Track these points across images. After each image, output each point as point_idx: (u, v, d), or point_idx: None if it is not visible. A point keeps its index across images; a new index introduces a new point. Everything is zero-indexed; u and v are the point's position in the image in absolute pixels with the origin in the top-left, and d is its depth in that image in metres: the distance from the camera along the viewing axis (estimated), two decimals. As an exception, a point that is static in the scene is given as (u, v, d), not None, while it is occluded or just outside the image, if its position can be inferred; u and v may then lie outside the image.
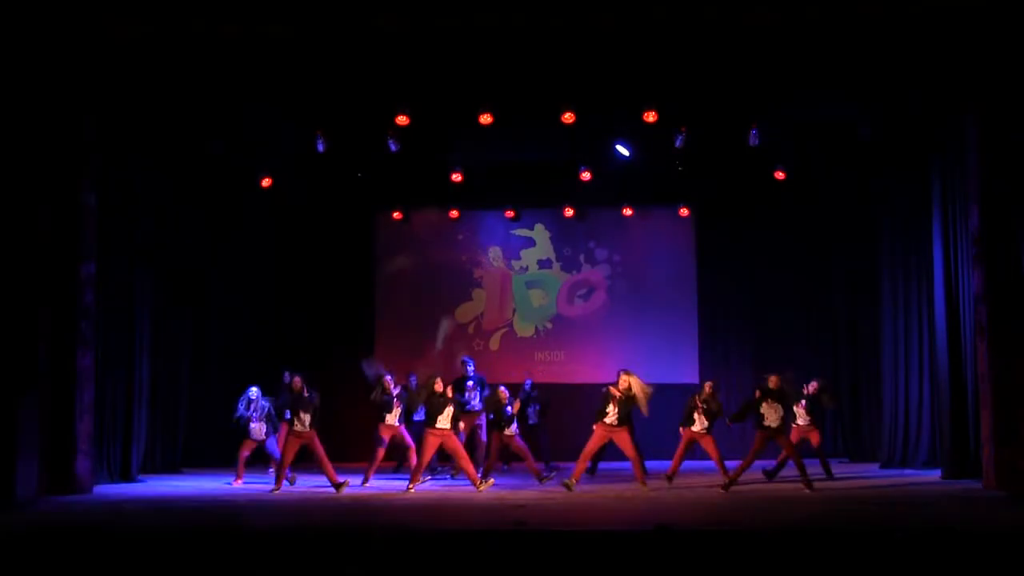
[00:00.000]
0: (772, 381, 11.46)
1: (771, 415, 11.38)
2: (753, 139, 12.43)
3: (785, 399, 11.59)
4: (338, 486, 11.35)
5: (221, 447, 14.72)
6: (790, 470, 11.84)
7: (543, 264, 16.18)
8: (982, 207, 11.08)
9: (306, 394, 11.57)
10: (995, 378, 10.85)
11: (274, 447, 12.47)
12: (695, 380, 14.52)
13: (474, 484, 11.41)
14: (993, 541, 7.37)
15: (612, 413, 11.30)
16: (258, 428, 12.38)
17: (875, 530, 8.14)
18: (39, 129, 10.83)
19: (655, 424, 12.53)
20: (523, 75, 11.11)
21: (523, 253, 16.19)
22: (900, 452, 13.40)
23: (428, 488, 11.80)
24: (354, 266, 16.02)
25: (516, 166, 14.65)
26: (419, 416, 12.66)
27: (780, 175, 14.02)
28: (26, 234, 10.66)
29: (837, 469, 13.00)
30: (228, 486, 12.18)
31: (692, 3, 10.12)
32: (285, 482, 11.70)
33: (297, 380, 11.62)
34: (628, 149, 13.54)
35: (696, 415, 11.96)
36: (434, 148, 13.38)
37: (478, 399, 12.92)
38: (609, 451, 13.36)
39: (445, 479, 12.78)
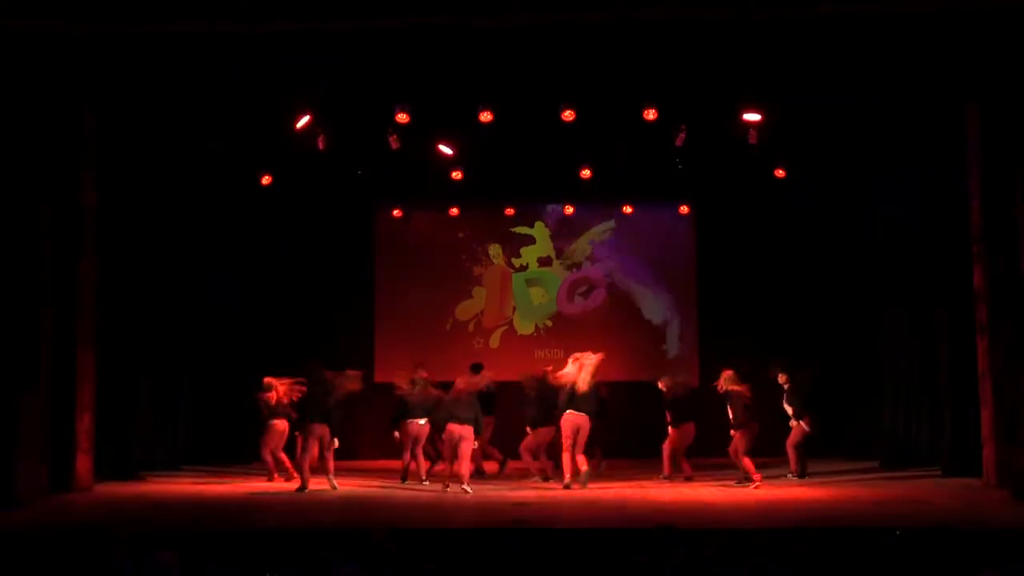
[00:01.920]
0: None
1: None
2: (752, 137, 12.41)
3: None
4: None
5: (221, 446, 14.74)
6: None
7: (543, 262, 16.18)
8: (982, 204, 11.07)
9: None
10: (995, 377, 10.85)
11: None
12: (695, 379, 14.49)
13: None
14: (993, 540, 7.39)
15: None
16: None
17: (875, 529, 8.16)
18: (39, 128, 10.82)
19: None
20: (523, 73, 11.10)
21: (523, 251, 16.19)
22: (900, 451, 13.39)
23: (429, 487, 11.85)
24: (354, 265, 16.00)
25: (516, 163, 14.63)
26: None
27: (780, 173, 13.98)
28: (26, 233, 10.66)
29: (837, 468, 13.00)
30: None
31: (692, 2, 10.11)
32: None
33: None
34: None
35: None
36: (434, 146, 13.34)
37: None
38: (610, 451, 13.38)
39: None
